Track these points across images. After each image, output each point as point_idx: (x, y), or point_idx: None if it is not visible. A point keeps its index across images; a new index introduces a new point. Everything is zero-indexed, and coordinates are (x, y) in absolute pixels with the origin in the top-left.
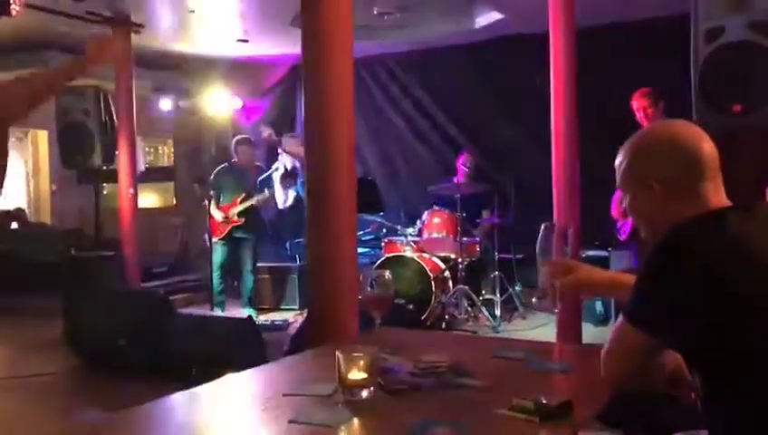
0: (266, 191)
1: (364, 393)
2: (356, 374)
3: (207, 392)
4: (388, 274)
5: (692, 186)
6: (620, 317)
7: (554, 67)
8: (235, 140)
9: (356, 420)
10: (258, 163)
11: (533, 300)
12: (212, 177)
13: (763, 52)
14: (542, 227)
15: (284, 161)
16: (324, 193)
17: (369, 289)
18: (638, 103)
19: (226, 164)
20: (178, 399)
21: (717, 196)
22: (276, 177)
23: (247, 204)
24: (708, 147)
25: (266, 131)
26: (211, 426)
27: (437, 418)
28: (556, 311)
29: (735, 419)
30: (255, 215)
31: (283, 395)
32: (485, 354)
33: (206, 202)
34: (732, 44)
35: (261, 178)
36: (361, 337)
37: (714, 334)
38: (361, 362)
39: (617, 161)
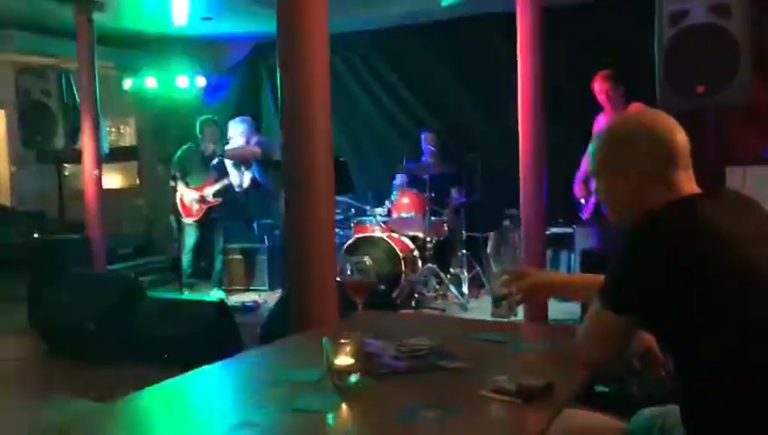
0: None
1: (352, 378)
2: (344, 360)
3: (194, 380)
4: (368, 259)
5: (666, 175)
6: (596, 301)
7: (521, 47)
8: (200, 120)
9: (345, 405)
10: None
11: (492, 310)
12: (177, 157)
13: (725, 34)
14: (491, 234)
15: (234, 146)
16: (301, 176)
17: (349, 274)
18: (600, 86)
19: (192, 144)
20: (165, 388)
21: (689, 184)
22: (228, 162)
23: (223, 184)
24: (682, 137)
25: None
26: (202, 413)
27: (423, 401)
28: (513, 317)
29: (706, 394)
30: (228, 195)
31: (274, 382)
32: (465, 336)
33: (173, 183)
34: (695, 27)
35: (213, 163)
36: (342, 321)
37: (687, 316)
38: (349, 348)
39: (591, 147)
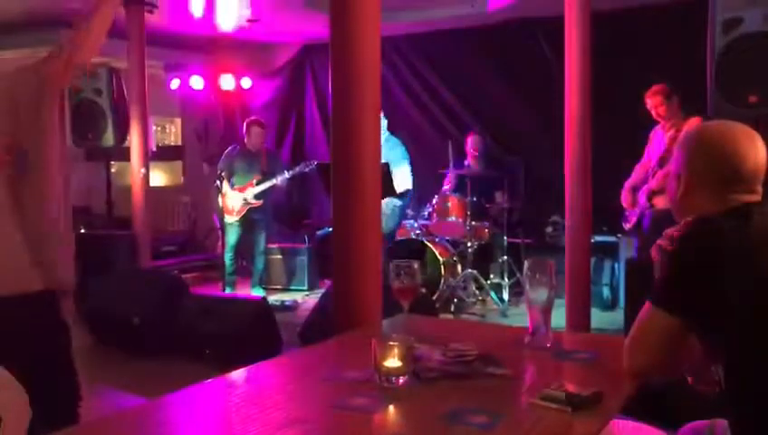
0: (286, 172)
1: (400, 380)
2: (392, 362)
3: (244, 378)
4: (415, 264)
5: (718, 191)
6: (645, 308)
7: (569, 51)
8: (246, 121)
9: (393, 407)
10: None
11: (526, 340)
12: (223, 157)
13: None
14: (526, 261)
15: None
16: (350, 178)
17: (396, 278)
18: (651, 102)
19: (237, 145)
20: (212, 385)
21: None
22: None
23: (267, 185)
24: (752, 161)
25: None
26: (253, 411)
27: (470, 406)
28: (548, 345)
29: (755, 407)
30: (270, 196)
31: (322, 381)
32: (510, 343)
33: (219, 183)
34: (750, 35)
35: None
36: (386, 324)
37: (733, 325)
38: (397, 351)
39: None
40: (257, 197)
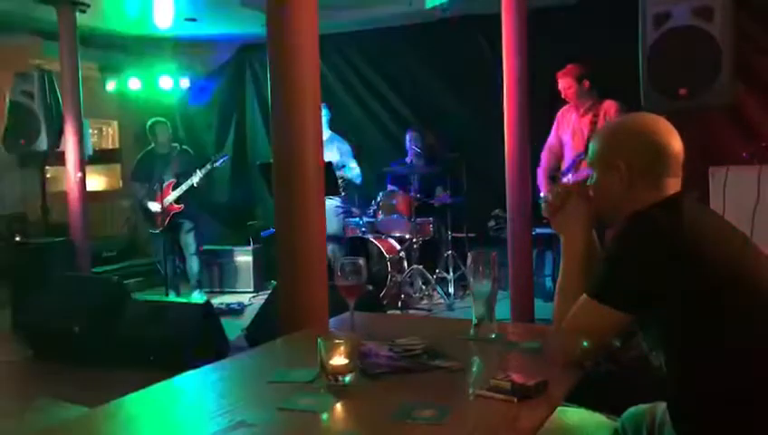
0: (198, 171)
1: (347, 378)
2: (338, 360)
3: (190, 382)
4: (361, 261)
5: (655, 178)
6: (585, 301)
7: (506, 48)
8: (149, 123)
9: (340, 405)
10: (175, 144)
11: (471, 332)
12: (134, 172)
13: (706, 37)
14: (470, 254)
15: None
16: (292, 177)
17: (341, 276)
18: (562, 83)
19: (146, 151)
20: (155, 391)
21: (675, 189)
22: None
23: (184, 188)
24: (677, 146)
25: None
26: (198, 416)
27: (417, 400)
28: (493, 336)
29: (695, 389)
30: (192, 197)
31: (268, 383)
32: (456, 335)
33: (142, 200)
34: (678, 29)
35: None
36: (333, 322)
37: (679, 309)
38: (343, 348)
39: (593, 141)
40: (177, 202)
